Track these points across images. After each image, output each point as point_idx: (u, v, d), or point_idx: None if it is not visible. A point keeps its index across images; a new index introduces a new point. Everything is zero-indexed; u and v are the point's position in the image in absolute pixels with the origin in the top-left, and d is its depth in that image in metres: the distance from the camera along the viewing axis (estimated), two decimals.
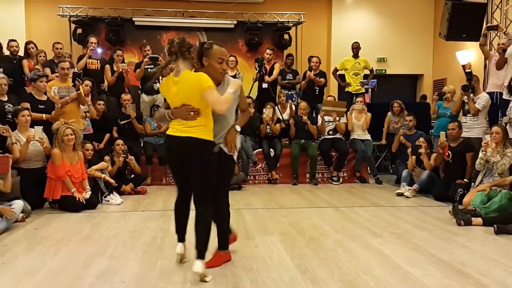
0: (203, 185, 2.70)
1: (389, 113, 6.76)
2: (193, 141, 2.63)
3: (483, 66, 7.25)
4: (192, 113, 2.61)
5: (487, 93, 5.68)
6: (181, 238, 2.94)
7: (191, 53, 2.68)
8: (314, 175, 6.47)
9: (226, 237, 3.00)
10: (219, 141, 2.77)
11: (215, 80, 2.69)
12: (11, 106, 4.82)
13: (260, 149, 6.53)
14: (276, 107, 6.69)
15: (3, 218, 3.73)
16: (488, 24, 6.56)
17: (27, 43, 6.53)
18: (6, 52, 6.31)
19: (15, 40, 6.32)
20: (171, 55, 2.67)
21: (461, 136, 5.36)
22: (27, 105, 4.85)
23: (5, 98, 4.93)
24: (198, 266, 2.63)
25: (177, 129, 2.67)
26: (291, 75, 7.45)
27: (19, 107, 4.74)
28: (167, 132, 2.77)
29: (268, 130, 6.56)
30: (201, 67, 2.71)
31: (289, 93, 7.41)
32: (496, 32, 6.90)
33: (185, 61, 2.66)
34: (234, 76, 7.17)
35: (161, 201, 5.16)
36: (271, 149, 6.50)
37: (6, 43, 6.30)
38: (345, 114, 6.69)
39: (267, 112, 6.41)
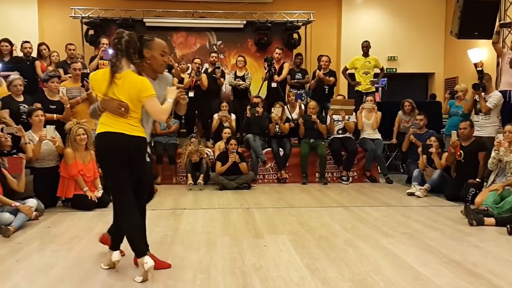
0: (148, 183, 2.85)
1: (400, 112, 6.71)
2: (143, 140, 2.69)
3: (495, 64, 7.14)
4: (122, 109, 2.58)
5: (499, 91, 5.60)
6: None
7: (136, 56, 2.62)
8: (324, 174, 6.45)
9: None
10: None
11: (154, 73, 2.73)
12: (26, 106, 4.91)
13: (269, 149, 6.53)
14: (286, 107, 6.70)
15: (17, 217, 3.79)
16: (501, 22, 6.46)
17: (40, 45, 6.64)
18: (20, 53, 6.43)
19: (28, 42, 6.44)
20: (117, 51, 2.59)
21: (473, 135, 5.30)
22: (39, 105, 4.93)
23: (21, 99, 5.01)
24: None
25: (124, 127, 2.60)
26: (300, 74, 7.44)
27: (33, 107, 4.82)
28: (106, 129, 2.61)
29: (277, 129, 6.56)
30: (142, 64, 2.66)
31: (298, 92, 7.40)
32: (509, 29, 6.80)
33: (128, 61, 2.61)
34: (243, 77, 7.21)
35: (171, 200, 5.20)
36: (280, 149, 6.50)
37: (19, 44, 6.42)
38: (353, 113, 6.66)
39: (276, 111, 6.41)
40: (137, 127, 2.66)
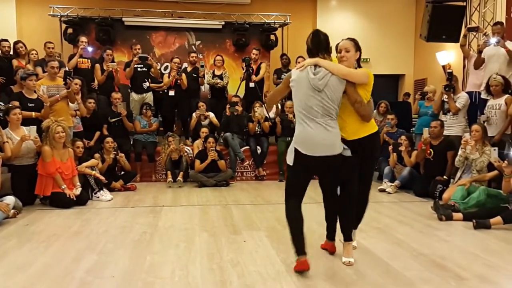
0: None
1: (375, 112, 6.92)
2: None
3: (462, 66, 7.45)
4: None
5: (466, 92, 5.86)
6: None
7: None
8: None
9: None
10: None
11: None
12: (3, 104, 4.84)
13: (247, 147, 6.64)
14: (263, 106, 6.81)
15: None
16: (469, 26, 6.76)
17: (16, 43, 6.53)
18: None
19: (7, 40, 6.34)
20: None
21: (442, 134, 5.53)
22: (17, 103, 4.87)
23: None
24: None
25: None
26: (286, 74, 7.51)
27: (11, 105, 4.75)
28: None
29: (257, 128, 6.67)
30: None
31: None
32: (475, 33, 7.12)
33: None
34: (221, 75, 7.28)
35: (150, 197, 5.22)
36: (258, 147, 6.63)
37: None
38: None
39: (259, 111, 6.52)
40: None
